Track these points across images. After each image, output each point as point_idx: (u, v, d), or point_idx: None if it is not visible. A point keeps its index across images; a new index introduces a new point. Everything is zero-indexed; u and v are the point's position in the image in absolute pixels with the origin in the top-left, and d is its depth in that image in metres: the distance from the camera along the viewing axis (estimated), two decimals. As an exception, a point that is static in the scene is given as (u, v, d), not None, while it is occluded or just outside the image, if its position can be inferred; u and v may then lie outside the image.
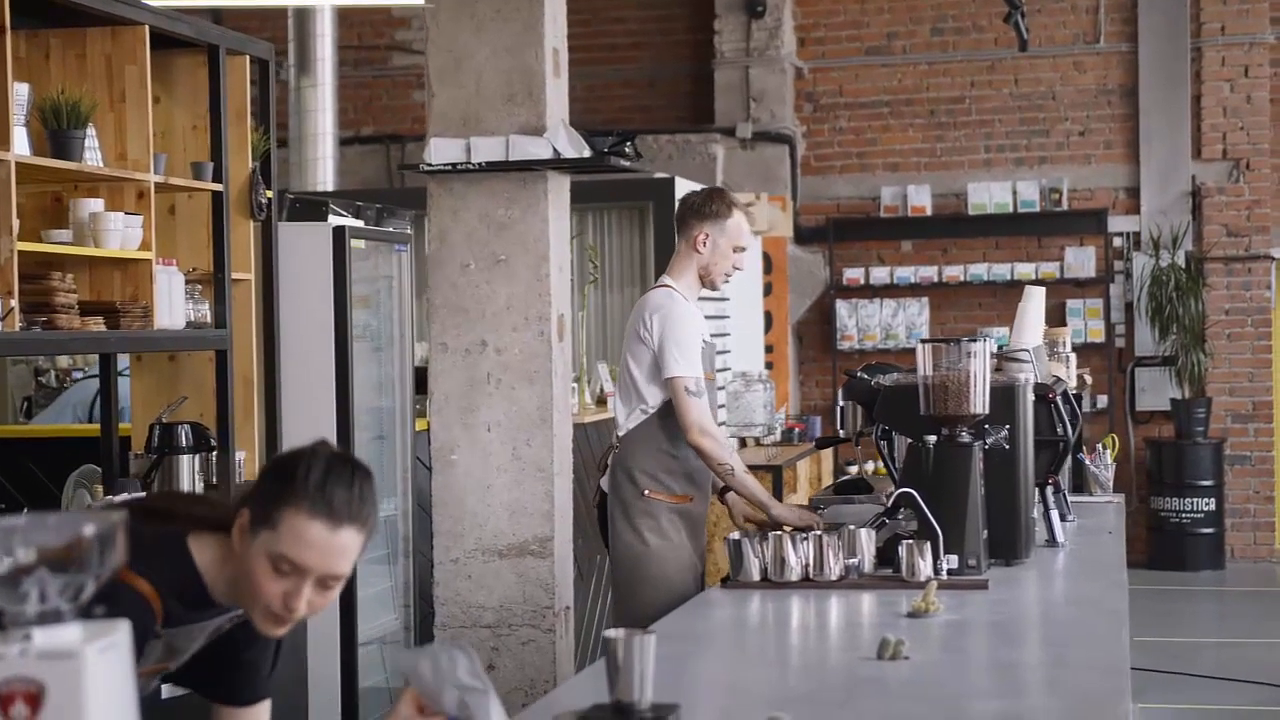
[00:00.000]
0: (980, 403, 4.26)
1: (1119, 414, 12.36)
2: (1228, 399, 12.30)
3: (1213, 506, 11.98)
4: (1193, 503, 11.95)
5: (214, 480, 5.48)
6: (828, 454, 10.53)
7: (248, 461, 5.73)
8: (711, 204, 5.15)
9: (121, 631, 1.75)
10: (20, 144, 4.54)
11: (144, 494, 4.96)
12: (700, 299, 4.91)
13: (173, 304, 5.16)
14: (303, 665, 5.60)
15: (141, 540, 2.54)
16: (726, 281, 5.25)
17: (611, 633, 2.68)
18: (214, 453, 5.46)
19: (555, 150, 5.37)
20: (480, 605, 5.48)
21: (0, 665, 1.69)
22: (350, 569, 2.58)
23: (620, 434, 5.15)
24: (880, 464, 5.03)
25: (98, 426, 5.73)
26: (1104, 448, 6.20)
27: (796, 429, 10.33)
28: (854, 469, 10.42)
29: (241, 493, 2.66)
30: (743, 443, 9.77)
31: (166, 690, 4.44)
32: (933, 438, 4.27)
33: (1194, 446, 11.99)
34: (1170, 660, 8.85)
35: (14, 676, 1.69)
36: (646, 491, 5.04)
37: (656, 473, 5.06)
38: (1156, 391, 12.31)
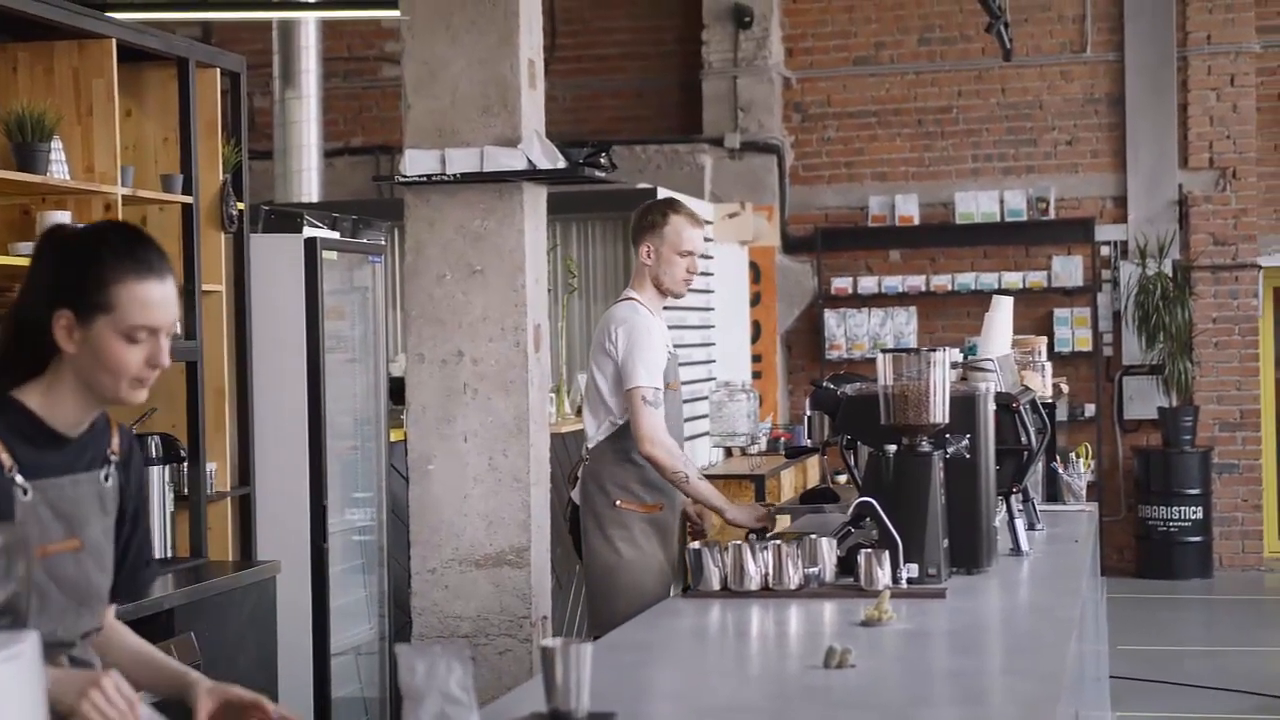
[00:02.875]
0: (940, 412, 4.27)
1: (1106, 423, 12.38)
2: (1215, 407, 12.31)
3: (1200, 515, 11.98)
4: (1180, 511, 11.96)
5: (185, 491, 5.49)
6: (814, 463, 10.53)
7: (219, 473, 5.74)
8: (648, 215, 5.24)
9: (28, 642, 1.77)
10: (-17, 157, 4.57)
11: None
12: (682, 308, 4.99)
13: (141, 315, 5.16)
14: (274, 675, 5.60)
15: None
16: (688, 286, 5.29)
17: (548, 642, 2.70)
18: (184, 464, 5.47)
19: (530, 161, 5.38)
20: (457, 615, 5.49)
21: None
22: None
23: (590, 445, 5.22)
24: (848, 473, 5.05)
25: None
26: (1077, 457, 6.21)
27: (783, 438, 10.34)
28: (843, 478, 10.42)
29: (33, 300, 2.65)
30: (727, 452, 9.78)
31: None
32: (893, 447, 4.28)
33: (1181, 455, 11.99)
34: (1156, 669, 8.85)
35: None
36: (618, 502, 5.11)
37: (627, 483, 5.12)
38: (1144, 400, 12.31)
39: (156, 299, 2.63)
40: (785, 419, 12.31)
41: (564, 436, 7.41)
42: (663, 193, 9.14)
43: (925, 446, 4.29)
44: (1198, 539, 11.99)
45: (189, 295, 5.52)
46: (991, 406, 4.56)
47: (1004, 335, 5.49)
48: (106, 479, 2.75)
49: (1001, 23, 9.38)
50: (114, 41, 5.07)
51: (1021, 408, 4.90)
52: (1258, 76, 12.35)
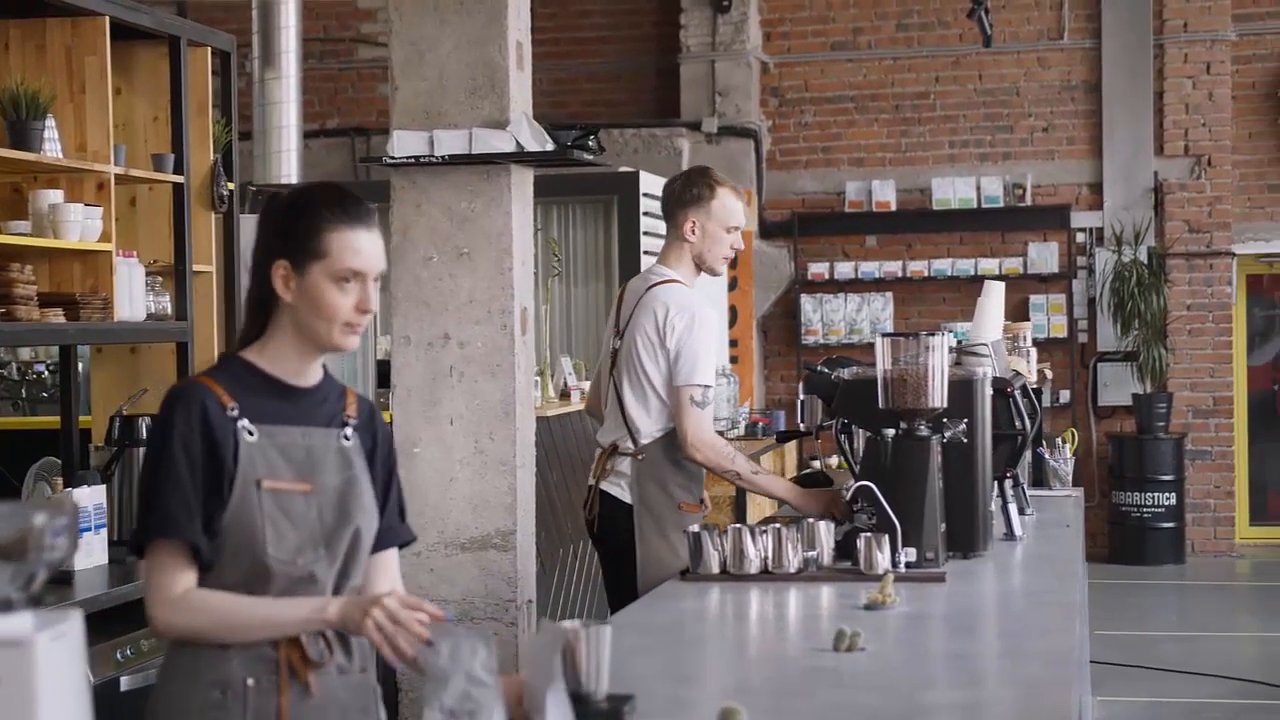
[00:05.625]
0: (938, 396, 4.28)
1: (1081, 409, 12.44)
2: (1189, 394, 12.38)
3: (1173, 501, 12.06)
4: (1154, 497, 12.03)
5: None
6: (791, 448, 10.56)
7: (208, 454, 5.71)
8: (692, 188, 4.92)
9: (73, 621, 1.76)
10: (-22, 135, 4.53)
11: None
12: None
13: (133, 296, 5.14)
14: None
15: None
16: (727, 264, 5.06)
17: (568, 624, 2.70)
18: (175, 445, 5.44)
19: (518, 143, 5.37)
20: (443, 599, 5.48)
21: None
22: None
23: (643, 441, 4.88)
24: (842, 457, 5.03)
25: (58, 419, 5.70)
26: (1063, 442, 6.23)
27: (761, 423, 10.36)
28: (816, 463, 10.45)
29: (258, 260, 2.85)
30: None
31: (125, 683, 4.45)
32: (891, 431, 4.28)
33: (1155, 441, 12.06)
34: (1130, 653, 8.91)
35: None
36: (682, 505, 4.87)
37: (689, 484, 4.90)
38: (1118, 386, 12.38)
39: (364, 246, 2.81)
40: (761, 404, 12.34)
41: (548, 420, 7.40)
42: (648, 178, 9.14)
43: (923, 431, 4.30)
44: (1171, 525, 12.07)
45: (179, 276, 5.49)
46: (989, 391, 4.57)
47: (996, 320, 5.50)
48: (345, 439, 2.90)
49: (983, 9, 9.40)
50: (107, 19, 5.03)
51: (1015, 393, 4.92)
52: (1233, 64, 12.41)
